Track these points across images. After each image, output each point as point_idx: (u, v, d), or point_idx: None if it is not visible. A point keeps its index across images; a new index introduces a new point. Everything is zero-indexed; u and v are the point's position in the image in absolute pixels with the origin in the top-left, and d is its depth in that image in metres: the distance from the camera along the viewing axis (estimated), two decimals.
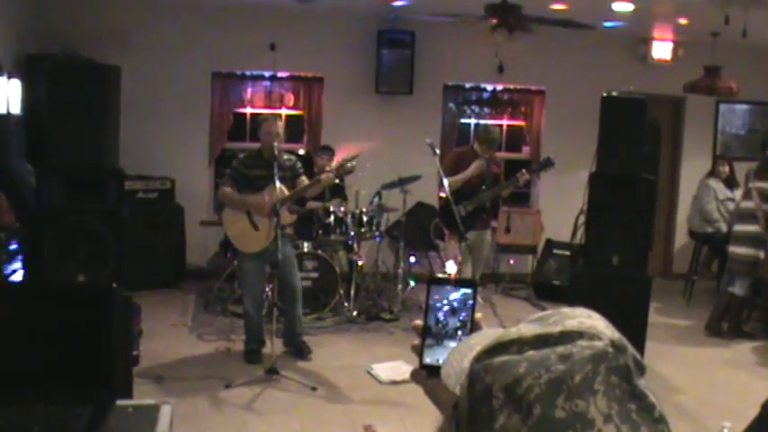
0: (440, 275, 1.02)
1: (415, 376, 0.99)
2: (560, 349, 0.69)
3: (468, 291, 0.98)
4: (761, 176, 6.37)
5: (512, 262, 8.18)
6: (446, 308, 0.97)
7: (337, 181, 6.86)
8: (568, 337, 0.71)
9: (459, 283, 0.99)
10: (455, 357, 0.82)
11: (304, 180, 5.43)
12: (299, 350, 5.59)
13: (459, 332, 0.96)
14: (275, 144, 5.25)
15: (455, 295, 0.98)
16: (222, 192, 5.45)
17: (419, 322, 0.99)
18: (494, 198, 6.41)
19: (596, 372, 0.68)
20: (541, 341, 0.71)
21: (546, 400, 0.67)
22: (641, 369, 0.72)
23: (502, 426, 0.69)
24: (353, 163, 5.33)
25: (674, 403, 4.99)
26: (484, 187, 6.23)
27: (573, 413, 0.67)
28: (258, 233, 5.31)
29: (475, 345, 0.77)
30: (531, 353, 0.70)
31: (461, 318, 0.97)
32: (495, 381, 0.70)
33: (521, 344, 0.72)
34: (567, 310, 0.76)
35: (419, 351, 0.98)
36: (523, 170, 6.30)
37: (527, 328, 0.74)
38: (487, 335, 0.78)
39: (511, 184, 6.31)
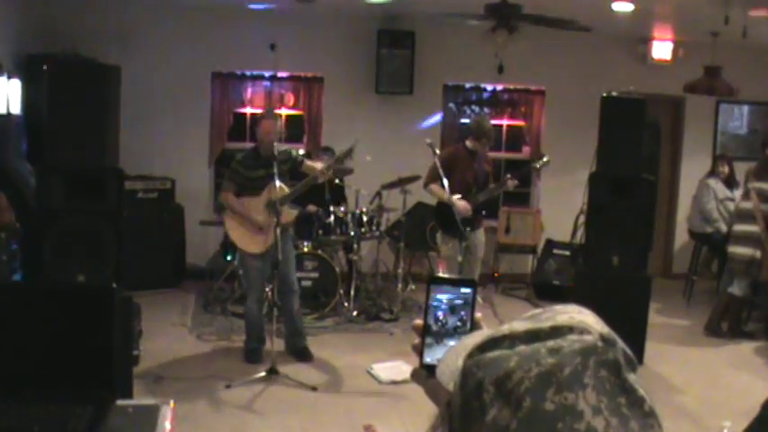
0: (440, 275, 1.01)
1: (415, 376, 0.99)
2: (550, 343, 0.70)
3: (468, 290, 0.98)
4: (759, 177, 6.36)
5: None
6: (446, 307, 0.97)
7: (337, 181, 6.87)
8: (559, 331, 0.71)
9: (459, 282, 0.99)
10: (450, 356, 0.83)
11: (307, 163, 5.46)
12: (301, 356, 5.55)
13: (459, 331, 0.96)
14: (273, 141, 5.28)
15: (455, 294, 0.98)
16: (225, 197, 5.45)
17: (419, 321, 0.99)
18: (489, 199, 6.32)
19: (585, 365, 0.69)
20: (532, 336, 0.72)
21: (535, 392, 0.68)
22: (632, 364, 0.72)
23: (492, 419, 0.69)
24: (350, 164, 5.33)
25: (674, 403, 4.99)
26: (476, 188, 6.12)
27: (562, 406, 0.67)
28: (261, 234, 5.33)
29: (469, 344, 0.77)
30: (521, 347, 0.71)
31: (461, 317, 0.97)
32: (487, 375, 0.71)
33: (512, 339, 0.73)
34: (558, 306, 0.77)
35: (419, 350, 0.99)
36: (508, 175, 6.09)
37: (519, 325, 0.75)
38: (481, 334, 0.79)
39: (499, 188, 6.17)
